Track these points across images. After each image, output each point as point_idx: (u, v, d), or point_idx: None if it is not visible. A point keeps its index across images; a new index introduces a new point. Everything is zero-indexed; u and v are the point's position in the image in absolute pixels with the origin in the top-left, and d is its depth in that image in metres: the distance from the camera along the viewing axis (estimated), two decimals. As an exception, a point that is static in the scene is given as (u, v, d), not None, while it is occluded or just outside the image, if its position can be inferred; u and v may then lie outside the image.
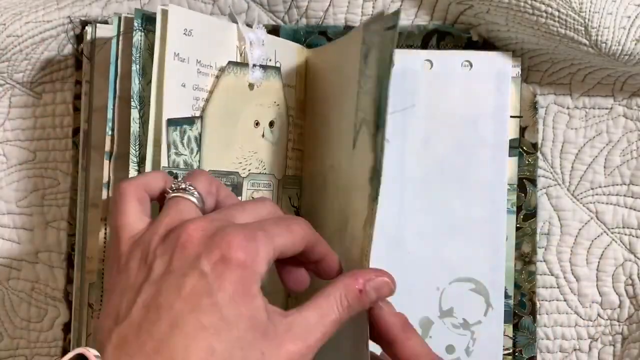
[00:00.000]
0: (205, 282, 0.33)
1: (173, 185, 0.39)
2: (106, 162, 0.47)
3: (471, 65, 0.52)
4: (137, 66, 0.46)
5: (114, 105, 0.47)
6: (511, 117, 0.53)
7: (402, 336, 0.40)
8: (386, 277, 0.40)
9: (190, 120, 0.46)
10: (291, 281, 0.41)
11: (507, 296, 0.53)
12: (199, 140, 0.47)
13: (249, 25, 0.49)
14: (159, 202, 0.40)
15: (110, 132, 0.47)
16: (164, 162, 0.45)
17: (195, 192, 0.38)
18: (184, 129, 0.46)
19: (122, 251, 0.37)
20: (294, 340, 0.35)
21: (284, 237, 0.37)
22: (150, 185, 0.39)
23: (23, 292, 0.56)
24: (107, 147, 0.47)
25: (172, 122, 0.45)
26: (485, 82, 0.52)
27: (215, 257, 0.34)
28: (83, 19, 0.54)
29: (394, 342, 0.40)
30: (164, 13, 0.44)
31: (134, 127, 0.46)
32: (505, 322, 0.53)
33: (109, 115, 0.47)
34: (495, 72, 0.52)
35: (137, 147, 0.46)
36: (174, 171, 0.46)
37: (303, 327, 0.35)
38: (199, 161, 0.47)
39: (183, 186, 0.38)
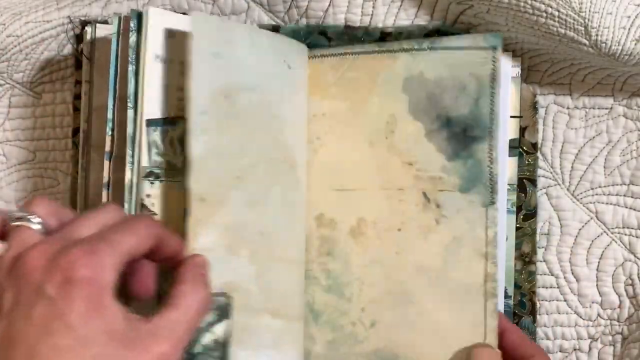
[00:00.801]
0: (54, 306, 0.34)
1: (10, 216, 0.38)
2: (106, 162, 0.48)
3: None
4: (133, 67, 0.46)
5: (113, 106, 0.48)
6: (511, 117, 0.53)
7: (509, 326, 0.49)
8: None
9: (172, 121, 0.46)
10: (137, 286, 0.41)
11: (506, 296, 0.53)
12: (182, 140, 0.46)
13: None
14: (2, 237, 0.39)
15: (110, 132, 0.47)
16: (144, 162, 0.45)
17: (35, 217, 0.38)
18: (166, 129, 0.46)
19: None
20: (159, 343, 0.35)
21: (129, 240, 0.37)
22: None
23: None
24: (107, 147, 0.48)
25: (152, 123, 0.46)
26: None
27: (59, 279, 0.34)
28: (83, 19, 0.54)
29: (504, 331, 0.48)
30: (145, 14, 0.45)
31: (130, 127, 0.46)
32: None
33: (109, 115, 0.47)
34: None
35: (132, 147, 0.46)
36: (155, 170, 0.46)
37: (167, 329, 0.36)
38: (183, 162, 0.46)
39: (20, 215, 0.38)
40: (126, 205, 0.46)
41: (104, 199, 0.48)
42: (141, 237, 0.38)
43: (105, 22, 0.53)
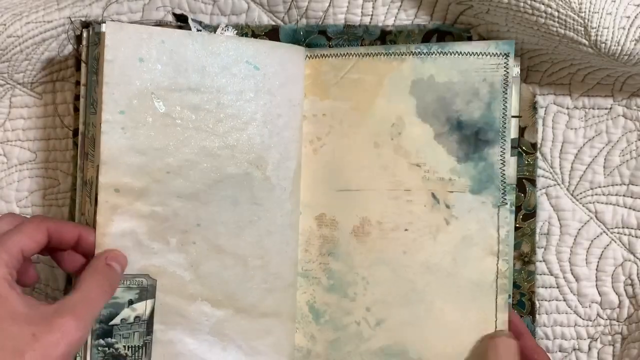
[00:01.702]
0: None
1: None
2: (82, 161, 0.50)
3: None
4: (96, 76, 0.49)
5: (85, 109, 0.50)
6: (512, 116, 0.53)
7: (525, 331, 0.51)
8: (118, 251, 0.47)
9: None
10: (66, 264, 0.48)
11: (506, 296, 0.53)
12: None
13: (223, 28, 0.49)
14: None
15: (87, 134, 0.49)
16: None
17: None
18: None
19: None
20: (62, 316, 0.40)
21: (17, 238, 0.43)
22: None
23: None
24: (80, 148, 0.50)
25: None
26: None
27: None
28: (83, 19, 0.54)
29: (521, 335, 0.50)
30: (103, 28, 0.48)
31: (93, 131, 0.48)
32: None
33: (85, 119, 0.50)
34: None
35: (93, 147, 0.49)
36: None
37: (68, 307, 0.41)
38: None
39: None
40: (88, 199, 0.49)
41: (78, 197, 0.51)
42: (29, 233, 0.43)
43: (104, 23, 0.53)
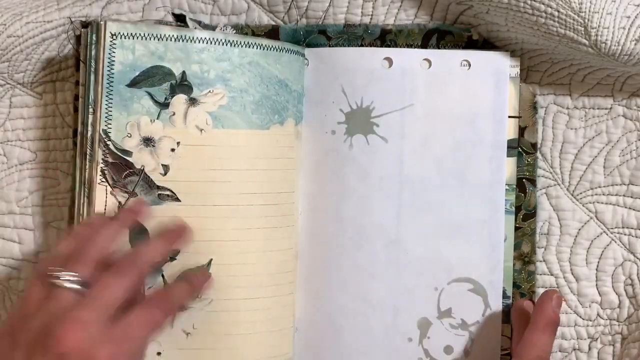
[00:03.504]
0: None
1: (51, 271, 0.43)
2: (82, 161, 0.50)
3: (470, 65, 0.52)
4: (94, 75, 0.49)
5: (84, 110, 0.50)
6: (510, 117, 0.53)
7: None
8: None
9: None
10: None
11: (505, 296, 0.53)
12: None
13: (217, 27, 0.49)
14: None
15: (85, 134, 0.50)
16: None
17: (69, 277, 0.43)
18: None
19: (13, 323, 0.42)
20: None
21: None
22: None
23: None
24: (78, 148, 0.50)
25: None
26: (484, 82, 0.52)
27: None
28: (83, 19, 0.54)
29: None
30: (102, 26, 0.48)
31: (91, 130, 0.48)
32: (503, 322, 0.53)
33: (85, 119, 0.50)
34: (493, 71, 0.52)
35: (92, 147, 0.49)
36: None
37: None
38: None
39: (60, 275, 0.43)
40: (87, 199, 0.49)
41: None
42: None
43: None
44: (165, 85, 0.49)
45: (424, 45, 0.53)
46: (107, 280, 0.43)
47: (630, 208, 0.54)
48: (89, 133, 0.49)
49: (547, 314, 0.50)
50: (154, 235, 0.49)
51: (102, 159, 0.48)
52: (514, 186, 0.53)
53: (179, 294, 0.48)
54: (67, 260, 0.44)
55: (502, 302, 0.53)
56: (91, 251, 0.45)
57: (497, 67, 0.52)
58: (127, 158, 0.49)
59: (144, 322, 0.43)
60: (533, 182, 0.54)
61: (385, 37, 0.53)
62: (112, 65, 0.48)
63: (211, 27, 0.54)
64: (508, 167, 0.53)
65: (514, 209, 0.53)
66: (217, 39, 0.50)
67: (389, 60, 0.52)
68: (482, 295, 0.53)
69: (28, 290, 0.43)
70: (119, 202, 0.49)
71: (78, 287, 0.43)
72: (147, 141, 0.49)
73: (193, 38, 0.49)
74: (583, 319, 0.54)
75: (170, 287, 0.49)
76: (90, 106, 0.49)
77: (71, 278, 0.43)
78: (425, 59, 0.52)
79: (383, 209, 0.52)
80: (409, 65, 0.52)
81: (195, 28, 0.53)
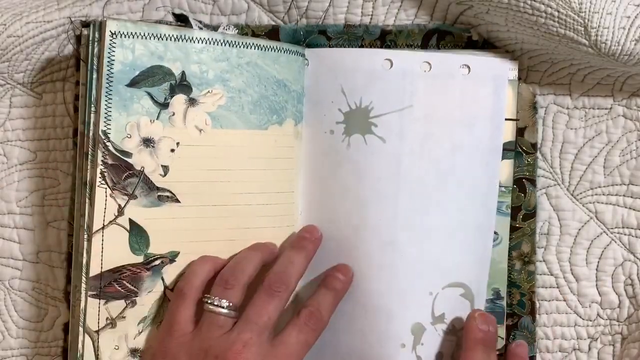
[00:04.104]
0: None
1: (207, 298, 0.48)
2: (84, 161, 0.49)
3: (469, 69, 0.52)
4: (96, 74, 0.48)
5: (85, 109, 0.49)
6: (507, 119, 0.53)
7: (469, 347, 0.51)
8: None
9: None
10: None
11: (499, 297, 0.53)
12: None
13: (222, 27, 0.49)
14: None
15: (87, 133, 0.49)
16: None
17: (225, 304, 0.47)
18: None
19: (169, 347, 0.47)
20: None
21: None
22: (203, 285, 0.49)
23: (24, 292, 0.56)
24: (79, 147, 0.50)
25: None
26: (483, 87, 0.52)
27: None
28: (83, 19, 0.54)
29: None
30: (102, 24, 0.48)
31: (93, 130, 0.48)
32: (498, 323, 0.52)
33: (85, 118, 0.49)
34: (492, 77, 0.52)
35: (94, 147, 0.48)
36: None
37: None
38: None
39: (216, 302, 0.47)
40: (87, 200, 0.49)
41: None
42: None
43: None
44: (165, 85, 0.49)
45: (424, 45, 0.53)
46: (261, 301, 0.47)
47: (630, 208, 0.54)
48: (91, 132, 0.49)
49: (473, 333, 0.50)
50: (289, 247, 0.51)
51: (102, 160, 0.48)
52: (510, 188, 0.53)
53: (326, 307, 0.50)
54: (218, 285, 0.48)
55: (496, 303, 0.53)
56: (241, 278, 0.48)
57: (497, 72, 0.52)
58: (127, 159, 0.49)
59: (301, 342, 0.47)
60: (533, 182, 0.53)
61: (385, 38, 0.53)
62: (112, 64, 0.48)
63: (212, 27, 0.54)
64: (504, 170, 0.53)
65: (509, 210, 0.53)
66: (216, 39, 0.50)
67: (390, 61, 0.52)
68: (470, 300, 0.53)
69: (176, 312, 0.48)
70: (119, 205, 0.49)
71: (233, 312, 0.47)
72: (147, 142, 0.49)
73: (192, 38, 0.49)
74: (583, 319, 0.54)
75: (318, 302, 0.50)
76: (92, 105, 0.48)
77: (226, 304, 0.47)
78: (426, 62, 0.52)
79: (379, 210, 0.52)
80: (409, 67, 0.52)
81: (199, 28, 0.53)
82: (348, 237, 0.52)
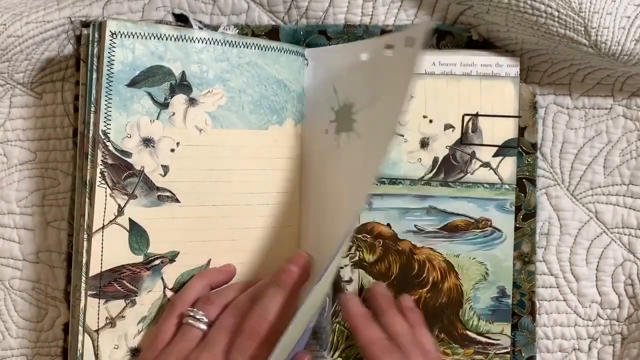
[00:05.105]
0: None
1: (188, 312, 0.48)
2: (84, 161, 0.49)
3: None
4: (96, 74, 0.48)
5: (85, 109, 0.49)
6: (509, 117, 0.53)
7: (362, 325, 0.49)
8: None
9: None
10: None
11: (505, 295, 0.53)
12: None
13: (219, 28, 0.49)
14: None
15: (86, 134, 0.49)
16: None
17: (204, 319, 0.48)
18: None
19: (146, 357, 0.48)
20: None
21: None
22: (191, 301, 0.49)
23: (24, 292, 0.56)
24: (79, 148, 0.50)
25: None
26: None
27: None
28: (83, 19, 0.54)
29: (354, 330, 0.49)
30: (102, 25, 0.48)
31: (93, 130, 0.48)
32: (504, 321, 0.53)
33: (85, 118, 0.49)
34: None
35: (94, 147, 0.48)
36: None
37: None
38: None
39: (193, 314, 0.48)
40: (87, 200, 0.49)
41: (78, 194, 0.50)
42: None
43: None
44: (165, 85, 0.49)
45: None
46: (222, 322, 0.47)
47: (630, 208, 0.54)
48: (91, 132, 0.49)
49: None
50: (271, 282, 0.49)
51: (102, 160, 0.48)
52: (514, 186, 0.53)
53: (272, 306, 0.47)
54: (204, 301, 0.49)
55: (502, 301, 0.53)
56: (223, 296, 0.49)
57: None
58: (127, 159, 0.49)
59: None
60: (533, 182, 0.53)
61: (385, 37, 0.53)
62: (112, 64, 0.48)
63: (213, 27, 0.54)
64: (507, 167, 0.53)
65: (513, 208, 0.53)
66: (216, 39, 0.50)
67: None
68: None
69: (162, 323, 0.49)
70: (119, 205, 0.49)
71: (205, 327, 0.47)
72: (147, 142, 0.49)
73: (192, 38, 0.49)
74: (583, 319, 0.54)
75: (265, 306, 0.47)
76: (92, 105, 0.48)
77: (201, 318, 0.48)
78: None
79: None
80: (372, 56, 0.50)
81: (199, 28, 0.53)
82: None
